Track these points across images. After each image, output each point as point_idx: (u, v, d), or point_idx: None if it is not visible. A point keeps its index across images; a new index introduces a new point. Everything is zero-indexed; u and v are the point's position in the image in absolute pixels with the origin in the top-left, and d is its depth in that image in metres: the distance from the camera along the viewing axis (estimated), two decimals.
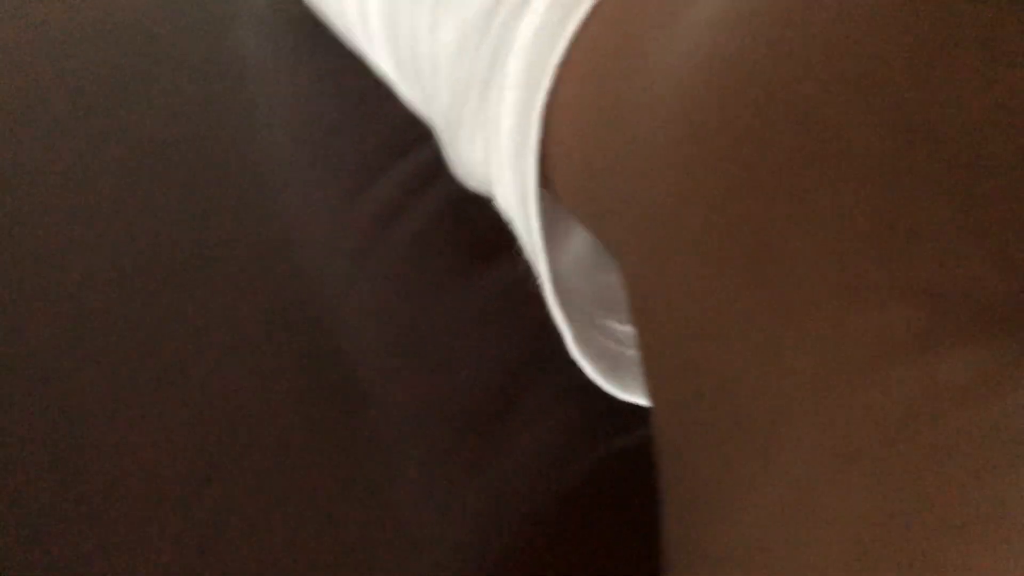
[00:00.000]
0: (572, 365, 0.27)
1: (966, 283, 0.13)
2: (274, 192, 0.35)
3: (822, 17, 0.15)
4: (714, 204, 0.16)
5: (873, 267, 0.14)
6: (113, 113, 0.37)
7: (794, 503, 0.14)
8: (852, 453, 0.13)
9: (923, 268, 0.13)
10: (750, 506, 0.15)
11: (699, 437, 0.16)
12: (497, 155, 0.26)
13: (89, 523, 0.24)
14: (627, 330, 0.28)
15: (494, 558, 0.25)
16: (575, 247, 0.30)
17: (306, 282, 0.32)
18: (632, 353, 0.28)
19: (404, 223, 0.34)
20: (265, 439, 0.26)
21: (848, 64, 0.15)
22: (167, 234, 0.32)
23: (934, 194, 0.13)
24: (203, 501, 0.25)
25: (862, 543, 0.13)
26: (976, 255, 0.13)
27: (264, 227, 0.33)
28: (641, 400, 0.27)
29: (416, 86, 0.32)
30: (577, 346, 0.26)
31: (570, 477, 0.27)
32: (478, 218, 0.34)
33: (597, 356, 0.27)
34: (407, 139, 0.37)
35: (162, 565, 0.24)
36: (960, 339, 0.13)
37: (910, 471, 0.13)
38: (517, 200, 0.26)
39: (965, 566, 0.12)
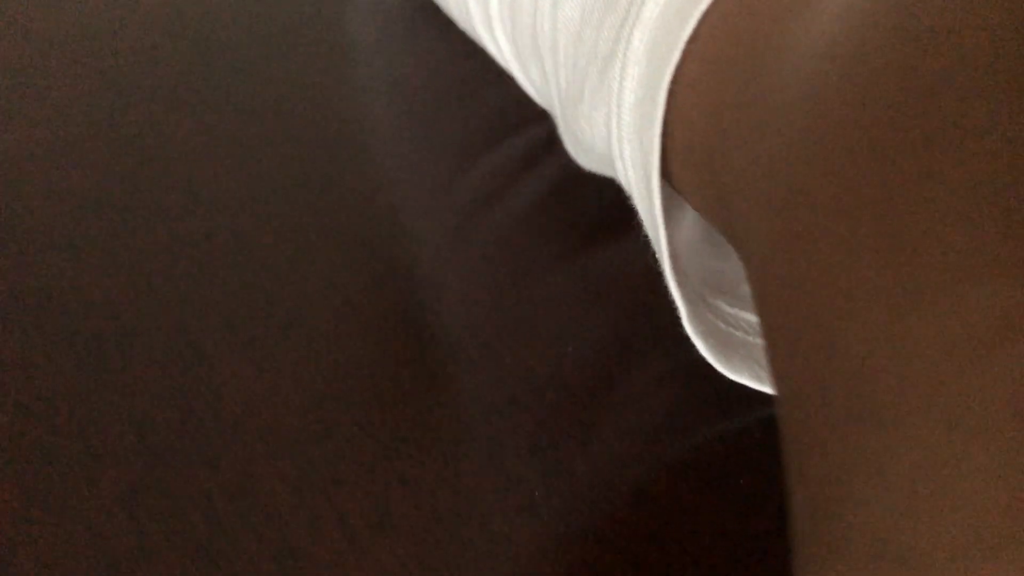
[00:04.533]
0: (675, 347, 0.27)
1: None
2: (380, 167, 0.36)
3: None
4: (844, 187, 0.17)
5: (999, 242, 0.14)
6: (227, 87, 0.37)
7: (919, 483, 0.14)
8: (976, 429, 0.13)
9: None
10: (877, 488, 0.15)
11: (829, 422, 0.16)
12: (619, 130, 0.26)
13: (209, 464, 0.25)
14: (736, 312, 0.28)
15: (599, 525, 0.25)
16: (685, 231, 0.30)
17: (416, 249, 0.32)
18: (739, 335, 0.28)
19: (506, 202, 0.35)
20: (381, 396, 0.27)
21: (970, 39, 0.15)
22: (282, 200, 0.33)
23: None
24: (321, 449, 0.26)
25: (989, 523, 0.13)
26: None
27: (371, 199, 0.34)
28: (748, 382, 0.27)
29: (534, 66, 0.32)
30: (691, 323, 0.26)
31: (673, 454, 0.27)
32: (580, 200, 0.35)
33: (707, 334, 0.27)
34: (511, 121, 0.38)
35: (281, 508, 0.24)
36: None
37: None
38: (638, 176, 0.26)
39: None
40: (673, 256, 0.26)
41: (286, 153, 0.35)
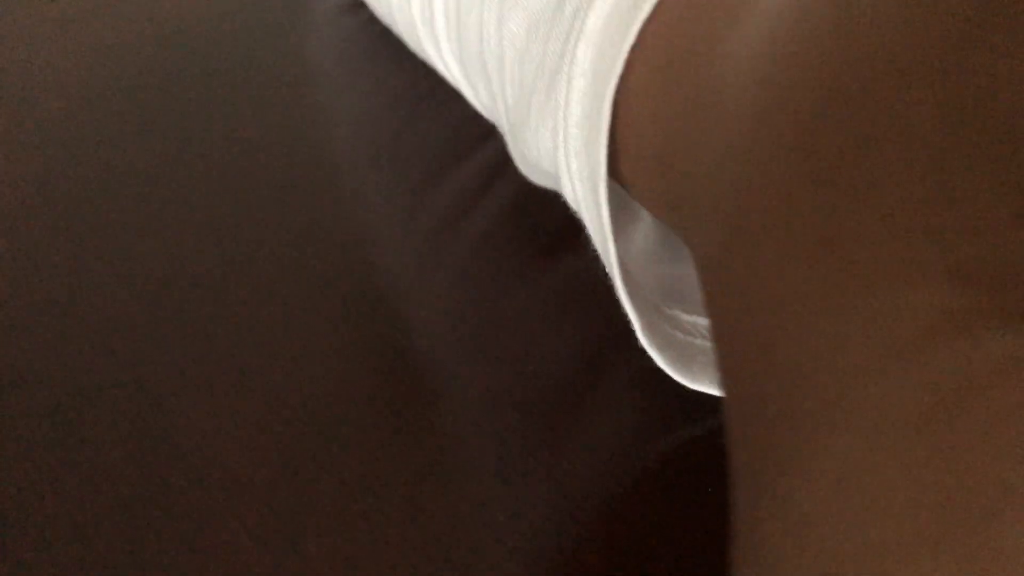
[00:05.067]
0: (641, 355, 0.27)
1: (1015, 263, 0.13)
2: (343, 194, 0.36)
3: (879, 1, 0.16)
4: (783, 191, 0.17)
5: (926, 247, 0.14)
6: (184, 124, 0.37)
7: (848, 477, 0.14)
8: (904, 427, 0.13)
9: (973, 248, 0.14)
10: (807, 482, 0.15)
11: (764, 424, 0.16)
12: (565, 145, 0.26)
13: (172, 515, 0.25)
14: (693, 320, 0.28)
15: (570, 543, 0.25)
16: (639, 239, 0.30)
17: (378, 280, 0.32)
18: (699, 342, 0.28)
19: (470, 221, 0.34)
20: (344, 433, 0.27)
21: (902, 45, 0.15)
22: (243, 239, 0.33)
23: (984, 174, 0.14)
24: (284, 495, 0.25)
25: (915, 519, 0.13)
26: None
27: (336, 228, 0.34)
28: (708, 389, 0.27)
29: (482, 84, 0.32)
30: (645, 335, 0.26)
31: (644, 464, 0.27)
32: (542, 214, 0.34)
33: (664, 346, 0.27)
34: (469, 139, 0.37)
35: (244, 558, 0.24)
36: (1009, 316, 0.13)
37: (961, 445, 0.13)
38: (585, 189, 0.26)
39: (1007, 548, 0.12)
40: (624, 269, 0.26)
41: (247, 190, 0.35)
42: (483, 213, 0.35)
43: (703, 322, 0.28)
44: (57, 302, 0.30)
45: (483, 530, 0.25)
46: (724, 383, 0.19)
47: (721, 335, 0.19)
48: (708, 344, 0.28)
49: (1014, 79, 0.13)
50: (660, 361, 0.27)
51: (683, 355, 0.27)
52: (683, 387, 0.27)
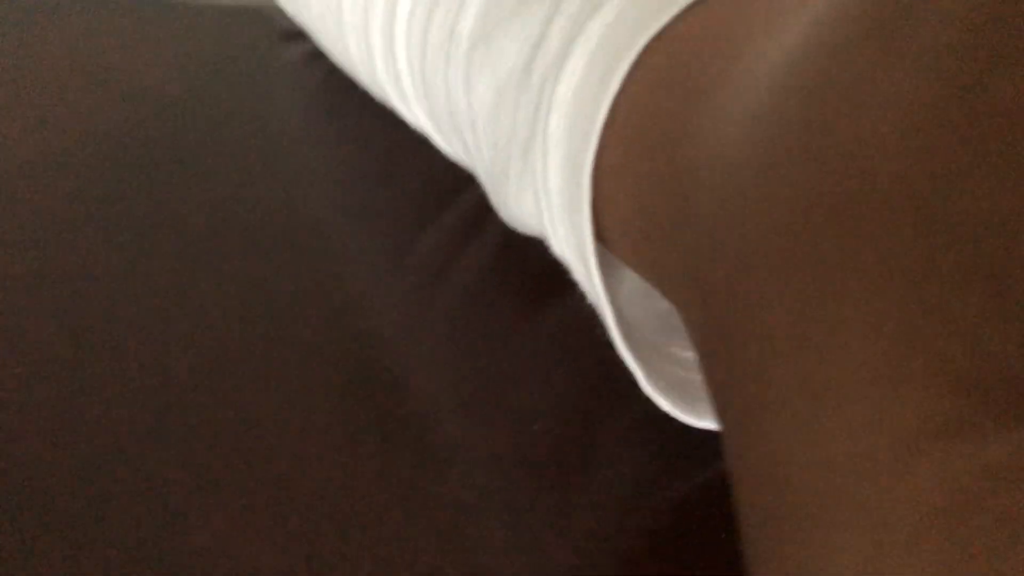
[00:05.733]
0: (639, 398, 0.27)
1: (1001, 369, 0.13)
2: (323, 259, 0.36)
3: (864, 115, 0.16)
4: (763, 297, 0.17)
5: (911, 358, 0.14)
6: (156, 208, 0.37)
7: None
8: (900, 542, 0.14)
9: (958, 357, 0.14)
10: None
11: (755, 515, 0.17)
12: (549, 212, 0.26)
13: None
14: (689, 356, 0.28)
15: None
16: (628, 281, 0.30)
17: (370, 346, 0.32)
18: (698, 377, 0.28)
19: (456, 273, 0.35)
20: (359, 515, 0.27)
21: (879, 160, 0.15)
22: (231, 321, 0.33)
23: (967, 287, 0.14)
24: None
25: None
26: (1009, 342, 0.13)
27: (321, 297, 0.34)
28: (713, 425, 0.27)
29: (456, 140, 0.32)
30: (649, 382, 0.26)
31: (652, 518, 0.27)
32: (527, 259, 0.34)
33: (667, 388, 0.27)
34: (446, 188, 0.37)
35: None
36: (1000, 422, 0.13)
37: (963, 557, 0.13)
38: (574, 255, 0.26)
39: None
40: (620, 318, 0.26)
41: (230, 271, 0.35)
42: (468, 264, 0.35)
43: None
44: (59, 411, 0.31)
45: None
46: (730, 468, 0.19)
47: (721, 419, 0.20)
48: None
49: (998, 200, 0.14)
50: (666, 405, 0.27)
51: (686, 393, 0.27)
52: (684, 430, 0.28)
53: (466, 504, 0.27)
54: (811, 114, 0.16)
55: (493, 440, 0.29)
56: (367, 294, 0.35)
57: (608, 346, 0.27)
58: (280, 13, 0.46)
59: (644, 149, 0.22)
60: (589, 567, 0.26)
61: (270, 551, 0.27)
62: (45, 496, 0.28)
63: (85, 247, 0.36)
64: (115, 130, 0.40)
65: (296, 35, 0.46)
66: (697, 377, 0.28)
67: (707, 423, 0.27)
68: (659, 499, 0.27)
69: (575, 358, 0.31)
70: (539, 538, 0.26)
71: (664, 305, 0.29)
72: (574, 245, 0.26)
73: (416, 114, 0.35)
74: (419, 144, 0.38)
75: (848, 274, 0.15)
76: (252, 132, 0.41)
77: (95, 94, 0.42)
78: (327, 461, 0.29)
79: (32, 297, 0.34)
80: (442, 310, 0.33)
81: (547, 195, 0.26)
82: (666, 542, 0.26)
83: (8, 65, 0.43)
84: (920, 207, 0.15)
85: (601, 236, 0.25)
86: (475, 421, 0.30)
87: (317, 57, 0.45)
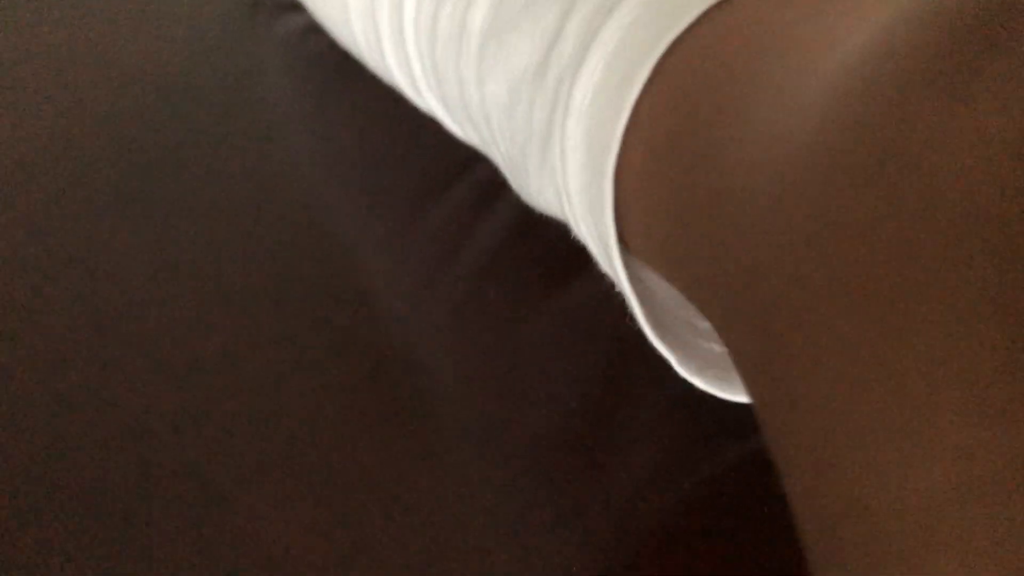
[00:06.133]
0: (668, 374, 0.28)
1: None
2: (333, 243, 0.36)
3: (946, 146, 0.15)
4: (828, 319, 0.17)
5: (1000, 388, 0.14)
6: (164, 193, 0.37)
7: None
8: (1010, 573, 0.14)
9: None
10: None
11: (838, 553, 0.17)
12: (570, 208, 0.26)
13: None
14: None
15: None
16: None
17: (397, 329, 0.33)
18: None
19: (468, 249, 0.35)
20: (397, 500, 0.28)
21: (971, 199, 0.15)
22: (250, 306, 0.33)
23: None
24: (348, 571, 0.26)
25: None
26: None
27: (328, 270, 0.34)
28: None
29: (470, 129, 0.32)
30: (682, 365, 0.26)
31: (690, 489, 0.28)
32: (543, 237, 0.35)
33: (701, 368, 0.27)
34: (456, 162, 0.37)
35: None
36: None
37: None
38: (598, 248, 0.26)
39: None
40: (649, 298, 0.26)
41: (242, 256, 0.35)
42: (484, 239, 0.35)
43: None
44: (89, 396, 0.31)
45: (533, 573, 0.26)
46: (786, 480, 0.19)
47: (774, 436, 0.19)
48: None
49: None
50: (702, 384, 0.27)
51: (724, 368, 0.27)
52: (719, 402, 0.28)
53: (507, 483, 0.28)
54: (884, 140, 0.16)
55: (528, 418, 0.30)
56: (374, 270, 0.35)
57: (632, 319, 0.28)
58: None
59: (672, 155, 0.22)
60: (630, 539, 0.27)
61: (315, 536, 0.27)
62: (87, 478, 0.29)
63: (100, 230, 0.36)
64: (119, 113, 0.40)
65: (292, 6, 0.46)
66: None
67: (744, 397, 0.28)
68: (698, 473, 0.28)
69: (603, 330, 0.32)
70: (582, 514, 0.27)
71: None
72: (596, 241, 0.25)
73: (427, 100, 0.35)
74: (421, 121, 0.38)
75: (935, 305, 0.15)
76: (253, 113, 0.41)
77: (97, 77, 0.41)
78: (365, 445, 0.29)
79: (50, 281, 0.34)
80: (454, 289, 0.34)
81: (568, 194, 0.26)
82: (705, 516, 0.27)
83: (9, 49, 0.42)
84: (1013, 242, 0.14)
85: (621, 236, 0.25)
86: (507, 399, 0.30)
87: (316, 30, 0.45)
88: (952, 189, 0.15)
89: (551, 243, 0.34)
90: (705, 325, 0.28)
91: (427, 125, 0.38)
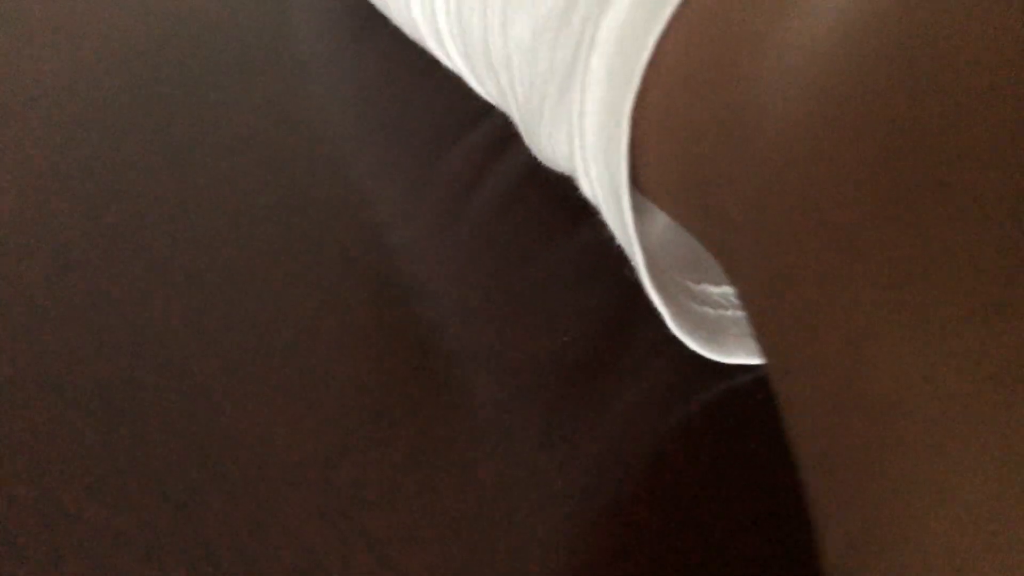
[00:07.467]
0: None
1: None
2: (353, 179, 0.36)
3: (951, 26, 0.15)
4: (845, 233, 0.17)
5: (1012, 287, 0.14)
6: (188, 124, 0.37)
7: (973, 528, 0.14)
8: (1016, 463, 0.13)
9: None
10: (923, 535, 0.15)
11: (853, 450, 0.16)
12: (582, 151, 0.26)
13: (234, 502, 0.26)
14: (723, 291, 0.28)
15: (620, 500, 0.26)
16: (662, 218, 0.30)
17: (398, 262, 0.33)
18: (731, 314, 0.28)
19: (485, 188, 0.35)
20: (391, 408, 0.27)
21: (973, 85, 0.15)
22: (263, 228, 0.33)
23: None
24: (341, 473, 0.26)
25: None
26: None
27: (346, 212, 0.34)
28: (743, 360, 0.28)
29: (489, 79, 0.32)
30: (675, 322, 0.26)
31: (682, 419, 0.27)
32: (555, 181, 0.35)
33: (695, 327, 0.27)
34: (477, 107, 0.38)
35: (308, 537, 0.25)
36: None
37: None
38: (606, 193, 0.26)
39: None
40: (650, 258, 0.26)
41: (259, 181, 0.35)
42: (498, 180, 0.35)
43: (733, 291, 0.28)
44: (92, 301, 0.31)
45: (535, 493, 0.26)
46: (786, 410, 0.19)
47: (783, 367, 0.19)
48: (741, 315, 0.28)
49: None
50: (692, 344, 0.27)
51: (716, 331, 0.27)
52: None
53: (500, 401, 0.28)
54: (911, 44, 0.16)
55: (527, 345, 0.29)
56: (393, 211, 0.35)
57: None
58: None
59: (694, 91, 0.22)
60: (618, 461, 0.26)
61: (304, 436, 0.27)
62: (81, 376, 0.29)
63: (116, 152, 0.36)
64: (140, 49, 0.40)
65: None
66: (727, 313, 0.28)
67: (734, 359, 0.28)
68: (689, 402, 0.28)
69: (609, 271, 0.31)
70: (571, 436, 0.27)
71: (694, 244, 0.29)
72: (607, 184, 0.25)
73: (451, 54, 0.35)
74: (447, 71, 0.38)
75: (942, 201, 0.15)
76: (274, 58, 0.41)
77: (120, 13, 0.42)
78: (361, 356, 0.29)
79: (64, 192, 0.34)
80: (468, 228, 0.34)
81: (582, 134, 0.26)
82: (695, 443, 0.27)
83: None
84: (1017, 119, 0.14)
85: (635, 179, 0.25)
86: (508, 327, 0.30)
87: None
88: (980, 93, 0.15)
89: (560, 189, 0.34)
90: (700, 288, 0.28)
91: (450, 77, 0.38)
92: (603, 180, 0.25)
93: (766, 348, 0.20)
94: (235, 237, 0.33)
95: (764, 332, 0.20)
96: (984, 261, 0.14)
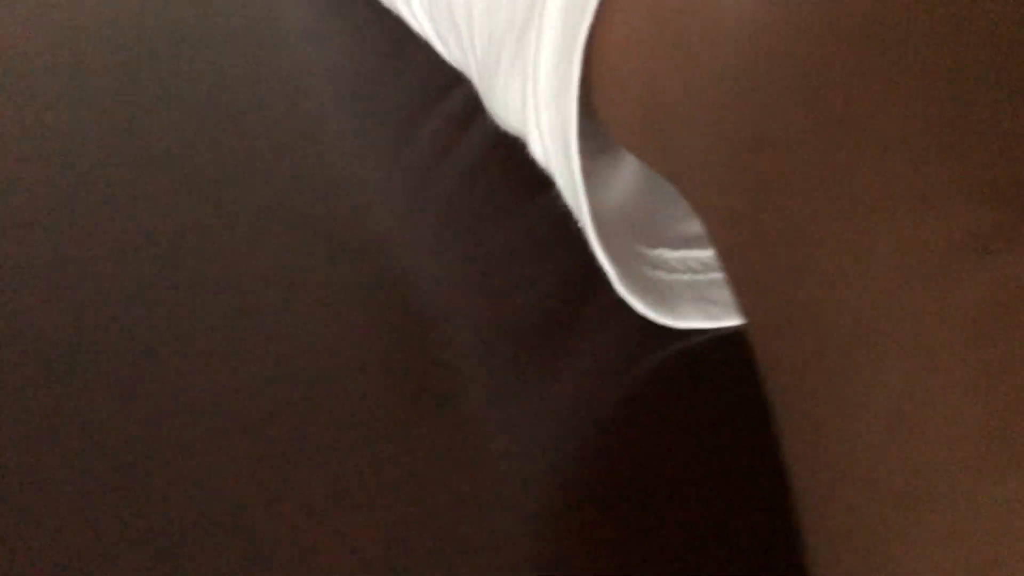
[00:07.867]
0: None
1: None
2: (324, 139, 0.36)
3: None
4: (789, 137, 0.17)
5: (940, 170, 0.14)
6: (158, 88, 0.37)
7: (898, 412, 0.14)
8: (946, 354, 0.13)
9: (989, 166, 0.14)
10: (858, 418, 0.15)
11: (799, 360, 0.16)
12: (535, 97, 0.26)
13: (168, 460, 0.25)
14: (682, 255, 0.28)
15: (565, 462, 0.25)
16: (620, 181, 0.30)
17: (365, 221, 0.32)
18: (687, 278, 0.28)
19: (454, 158, 0.34)
20: (334, 367, 0.27)
21: None
22: (225, 192, 0.33)
23: (994, 92, 0.14)
24: (278, 433, 0.26)
25: (976, 442, 0.13)
26: None
27: (320, 174, 0.34)
28: (697, 325, 0.27)
29: (452, 37, 0.32)
30: (623, 284, 0.26)
31: (631, 383, 0.27)
32: (521, 151, 0.34)
33: (644, 291, 0.27)
34: (448, 78, 0.37)
35: (241, 497, 0.25)
36: None
37: (1009, 365, 0.13)
38: (555, 142, 0.26)
39: None
40: (601, 215, 0.26)
41: (222, 147, 0.35)
42: (467, 150, 0.35)
43: (694, 255, 0.28)
44: (48, 260, 0.31)
45: (477, 453, 0.25)
46: (753, 332, 0.19)
47: (736, 282, 0.19)
48: (699, 278, 0.28)
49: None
50: (641, 307, 0.27)
51: (667, 296, 0.27)
52: None
53: (446, 363, 0.27)
54: None
55: (479, 309, 0.29)
56: (365, 173, 0.35)
57: None
58: None
59: (653, 22, 0.22)
60: (565, 425, 0.26)
61: (247, 399, 0.27)
62: (36, 340, 0.28)
63: (81, 118, 0.36)
64: (110, 18, 0.40)
65: None
66: (683, 278, 0.28)
67: (687, 323, 0.27)
68: (638, 366, 0.27)
69: (565, 242, 0.31)
70: (521, 394, 0.27)
71: (658, 208, 0.29)
72: (558, 131, 0.25)
73: (416, 13, 0.35)
74: (417, 41, 0.38)
75: (876, 88, 0.15)
76: (258, 22, 0.41)
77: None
78: (313, 319, 0.29)
79: (30, 147, 0.34)
80: (439, 191, 0.33)
81: (536, 78, 0.25)
82: (643, 409, 0.26)
83: None
84: (947, 10, 0.14)
85: (596, 120, 0.25)
86: (459, 292, 0.30)
87: None
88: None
89: (526, 158, 0.34)
90: (656, 253, 0.28)
91: (423, 47, 0.38)
92: (554, 127, 0.25)
93: (735, 280, 0.20)
94: (190, 204, 0.32)
95: (717, 240, 0.20)
96: (918, 146, 0.14)
